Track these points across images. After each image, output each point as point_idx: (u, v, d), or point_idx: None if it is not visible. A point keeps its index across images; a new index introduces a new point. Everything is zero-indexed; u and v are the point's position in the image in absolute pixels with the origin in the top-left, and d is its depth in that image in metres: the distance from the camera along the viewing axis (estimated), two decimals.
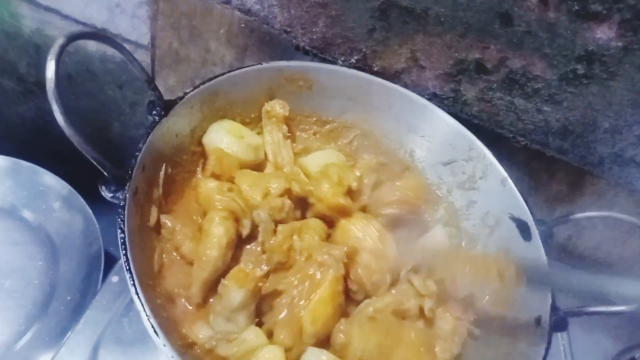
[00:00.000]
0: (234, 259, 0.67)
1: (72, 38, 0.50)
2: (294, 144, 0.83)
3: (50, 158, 0.96)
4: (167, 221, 0.66)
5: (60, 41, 0.49)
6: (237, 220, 0.68)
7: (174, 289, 0.64)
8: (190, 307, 0.63)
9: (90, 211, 0.93)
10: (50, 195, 0.95)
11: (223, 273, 0.65)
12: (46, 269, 0.88)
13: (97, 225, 0.91)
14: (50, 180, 0.96)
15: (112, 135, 1.17)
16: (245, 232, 0.68)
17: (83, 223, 0.92)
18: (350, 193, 0.75)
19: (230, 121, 0.76)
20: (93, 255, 0.89)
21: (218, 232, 0.65)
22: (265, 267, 0.64)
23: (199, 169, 0.75)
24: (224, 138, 0.73)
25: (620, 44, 0.70)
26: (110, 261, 0.89)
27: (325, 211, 0.73)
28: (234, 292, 0.61)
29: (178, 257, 0.66)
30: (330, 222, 0.74)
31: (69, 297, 0.85)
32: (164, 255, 0.65)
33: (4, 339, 0.80)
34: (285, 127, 0.80)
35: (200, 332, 0.60)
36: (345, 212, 0.73)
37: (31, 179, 0.96)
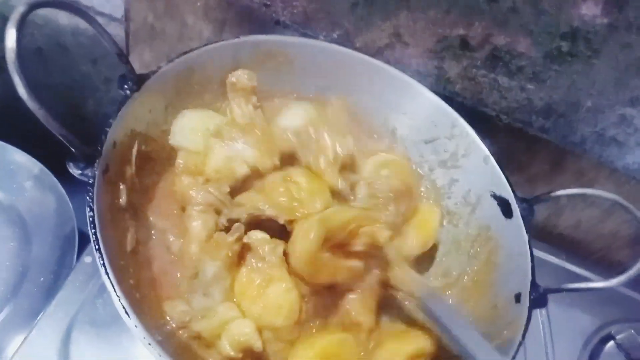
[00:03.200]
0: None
1: (35, 5, 0.47)
2: None
3: (20, 136, 0.93)
4: (155, 220, 0.65)
5: (21, 8, 0.46)
6: (218, 212, 0.65)
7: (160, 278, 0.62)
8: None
9: (63, 190, 0.90)
10: (21, 174, 0.91)
11: None
12: (18, 249, 0.86)
13: (71, 205, 0.89)
14: (20, 158, 0.92)
15: (86, 112, 1.13)
16: (224, 221, 0.65)
17: (56, 202, 0.89)
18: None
19: (192, 113, 0.72)
20: (66, 235, 0.87)
21: (196, 227, 0.63)
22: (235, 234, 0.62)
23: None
24: (189, 136, 0.70)
25: (605, 21, 0.69)
26: (85, 242, 0.87)
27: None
28: (207, 264, 0.59)
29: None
30: None
31: (41, 279, 0.83)
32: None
33: None
34: (254, 98, 0.75)
35: (176, 309, 0.58)
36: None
37: (1, 157, 0.93)
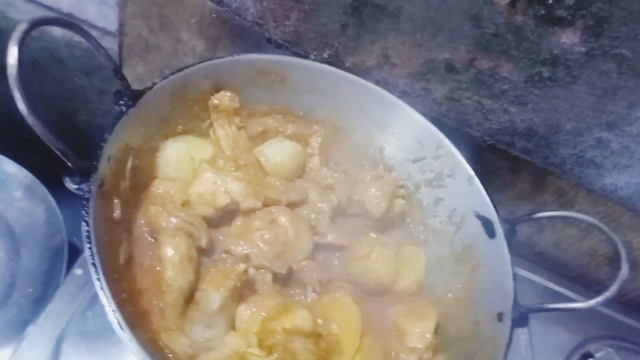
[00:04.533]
0: None
1: (36, 23, 0.49)
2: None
3: (11, 145, 0.93)
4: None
5: (22, 26, 0.47)
6: (189, 235, 0.66)
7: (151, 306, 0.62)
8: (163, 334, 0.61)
9: (53, 201, 0.90)
10: (12, 184, 0.91)
11: (193, 288, 0.64)
12: (6, 260, 0.85)
13: (61, 216, 0.89)
14: (11, 168, 0.92)
15: (78, 124, 1.14)
16: (203, 242, 0.66)
17: (46, 213, 0.89)
18: None
19: (176, 143, 0.73)
20: (56, 246, 0.87)
21: (166, 252, 0.63)
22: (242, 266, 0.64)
23: None
24: (174, 166, 0.72)
25: (583, 49, 0.72)
26: (74, 253, 0.87)
27: None
28: (212, 295, 0.61)
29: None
30: None
31: (30, 289, 0.83)
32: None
33: None
34: (237, 119, 0.78)
35: (177, 342, 0.59)
36: None
37: None
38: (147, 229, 0.67)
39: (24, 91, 0.48)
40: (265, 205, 0.71)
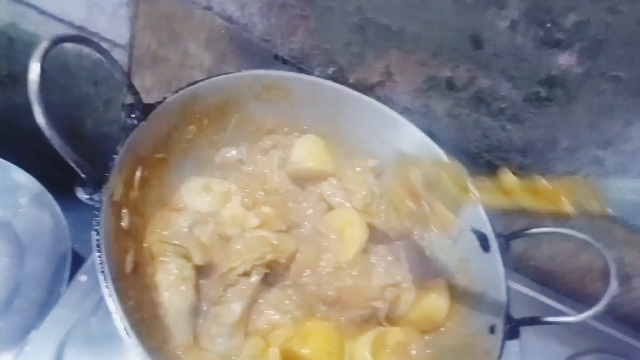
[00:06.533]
0: None
1: (57, 41, 0.50)
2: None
3: (18, 153, 0.95)
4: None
5: (45, 44, 0.49)
6: (187, 257, 0.67)
7: None
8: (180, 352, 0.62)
9: (59, 209, 0.91)
10: (19, 192, 0.93)
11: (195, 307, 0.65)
12: (11, 265, 0.87)
13: (66, 224, 0.90)
14: (19, 176, 0.94)
15: (84, 132, 1.15)
16: (197, 259, 0.67)
17: (52, 221, 0.90)
18: None
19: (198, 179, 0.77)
20: (61, 253, 0.88)
21: (159, 278, 0.64)
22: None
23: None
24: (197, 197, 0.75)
25: (580, 70, 0.74)
26: (78, 260, 0.88)
27: None
28: (233, 304, 0.64)
29: None
30: None
31: (34, 295, 0.84)
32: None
33: None
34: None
35: (204, 358, 0.61)
36: None
37: None
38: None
39: (44, 106, 0.50)
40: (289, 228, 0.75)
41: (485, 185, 0.62)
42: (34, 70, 0.48)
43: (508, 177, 0.60)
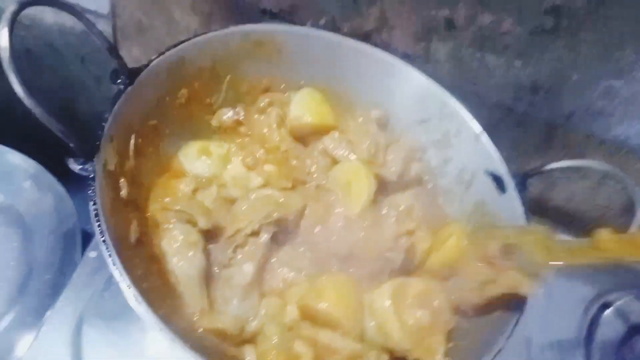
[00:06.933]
0: None
1: (25, 4, 0.48)
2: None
3: (14, 137, 0.93)
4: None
5: (12, 7, 0.47)
6: (191, 222, 0.66)
7: None
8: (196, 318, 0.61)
9: (62, 188, 0.91)
10: (18, 175, 0.92)
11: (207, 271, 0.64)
12: (21, 249, 0.86)
13: (71, 202, 0.89)
14: (16, 159, 0.93)
15: (78, 112, 1.14)
16: (202, 224, 0.65)
17: (54, 200, 0.90)
18: None
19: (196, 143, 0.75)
20: (68, 232, 0.87)
21: (165, 245, 0.63)
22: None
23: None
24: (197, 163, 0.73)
25: None
26: (88, 238, 0.87)
27: None
28: (244, 265, 0.62)
29: None
30: None
31: (47, 276, 0.84)
32: None
33: None
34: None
35: (217, 324, 0.60)
36: None
37: None
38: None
39: (19, 75, 0.47)
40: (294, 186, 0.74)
41: (576, 246, 0.60)
42: (4, 36, 0.45)
43: (605, 234, 0.58)
